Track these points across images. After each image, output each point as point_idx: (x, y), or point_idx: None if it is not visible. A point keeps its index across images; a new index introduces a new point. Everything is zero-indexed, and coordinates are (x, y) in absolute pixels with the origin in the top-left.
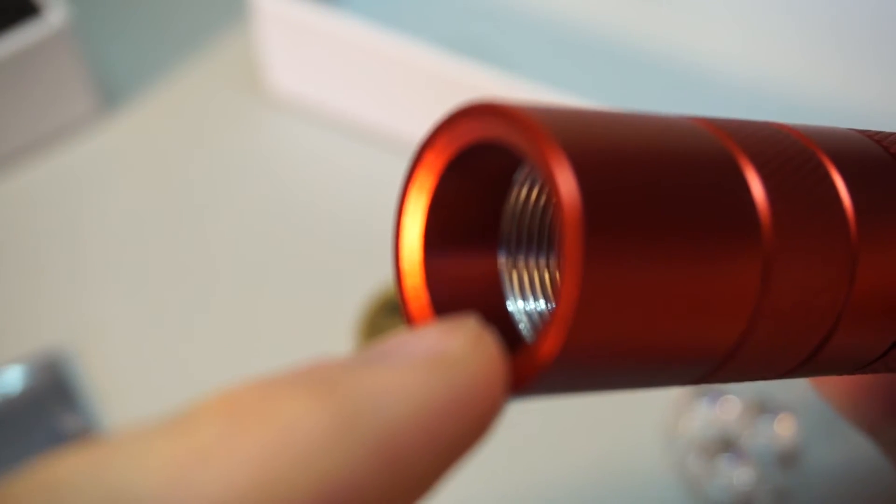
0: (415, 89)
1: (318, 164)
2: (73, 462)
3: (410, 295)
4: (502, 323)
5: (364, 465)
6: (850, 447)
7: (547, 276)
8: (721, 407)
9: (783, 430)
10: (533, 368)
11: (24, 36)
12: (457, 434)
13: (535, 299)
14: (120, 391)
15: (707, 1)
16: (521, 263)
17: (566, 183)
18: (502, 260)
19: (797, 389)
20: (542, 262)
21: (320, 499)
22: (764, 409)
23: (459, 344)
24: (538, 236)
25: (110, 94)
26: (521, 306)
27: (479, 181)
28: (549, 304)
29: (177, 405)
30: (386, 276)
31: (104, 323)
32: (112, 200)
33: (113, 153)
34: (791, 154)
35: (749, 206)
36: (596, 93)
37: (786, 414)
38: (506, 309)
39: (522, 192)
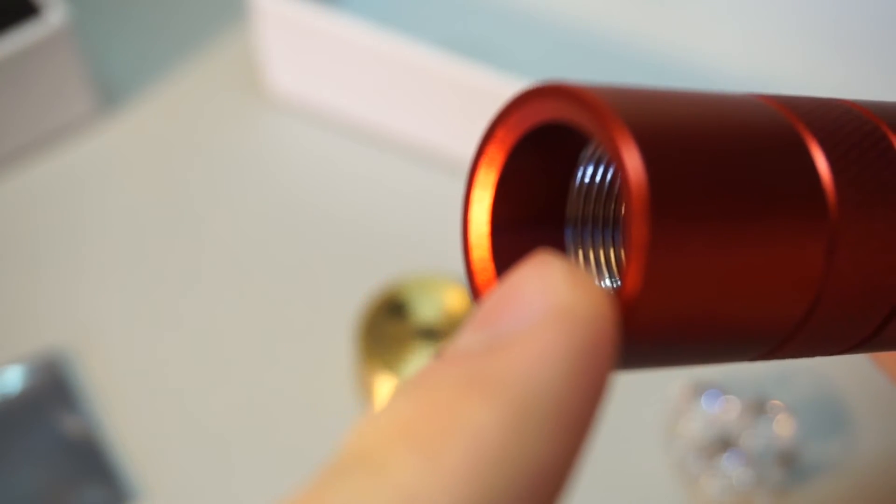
0: (415, 89)
1: (317, 164)
2: None
3: (477, 267)
4: None
5: (551, 440)
6: (850, 447)
7: (612, 254)
8: (721, 407)
9: (783, 430)
10: None
11: (24, 36)
12: (600, 379)
13: (602, 277)
14: (120, 391)
15: (707, 1)
16: (588, 241)
17: (633, 163)
18: (568, 238)
19: (797, 389)
20: (609, 240)
21: (530, 488)
22: (763, 409)
23: (566, 292)
24: (604, 215)
25: (110, 94)
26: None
27: (548, 160)
28: (614, 283)
29: (170, 403)
30: (386, 275)
31: (104, 323)
32: (112, 200)
33: (113, 153)
34: (859, 132)
35: (815, 186)
36: None
37: (785, 414)
38: None
39: (589, 172)
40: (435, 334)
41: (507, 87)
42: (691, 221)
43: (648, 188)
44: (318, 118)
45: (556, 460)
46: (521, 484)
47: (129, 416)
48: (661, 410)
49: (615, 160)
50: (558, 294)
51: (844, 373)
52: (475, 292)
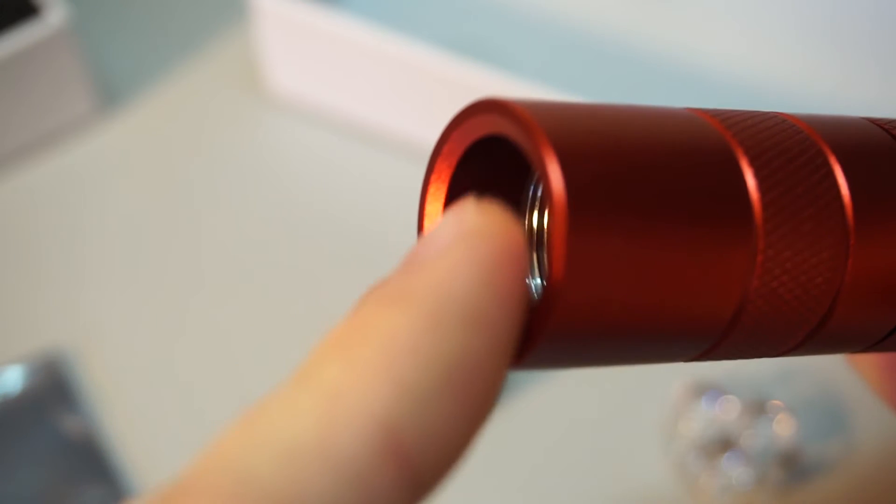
0: (414, 89)
1: (317, 164)
2: (230, 437)
3: None
4: None
5: (461, 337)
6: (850, 447)
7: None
8: (721, 407)
9: (783, 430)
10: (533, 337)
11: (24, 36)
12: (509, 284)
13: (541, 277)
14: (120, 391)
15: (707, 1)
16: (533, 248)
17: (553, 170)
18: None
19: (797, 389)
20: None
21: (447, 383)
22: (763, 409)
23: (472, 218)
24: (540, 224)
25: (110, 94)
26: (532, 285)
27: (501, 173)
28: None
29: (170, 403)
30: (385, 275)
31: (104, 323)
32: (112, 200)
33: (113, 153)
34: (789, 143)
35: (740, 192)
36: (596, 93)
37: (785, 414)
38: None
39: (533, 184)
40: None
41: (507, 88)
42: (610, 225)
43: (566, 193)
44: (318, 118)
45: (468, 355)
46: (435, 376)
47: (129, 416)
48: (661, 410)
49: (538, 169)
50: (467, 220)
51: (844, 373)
52: None
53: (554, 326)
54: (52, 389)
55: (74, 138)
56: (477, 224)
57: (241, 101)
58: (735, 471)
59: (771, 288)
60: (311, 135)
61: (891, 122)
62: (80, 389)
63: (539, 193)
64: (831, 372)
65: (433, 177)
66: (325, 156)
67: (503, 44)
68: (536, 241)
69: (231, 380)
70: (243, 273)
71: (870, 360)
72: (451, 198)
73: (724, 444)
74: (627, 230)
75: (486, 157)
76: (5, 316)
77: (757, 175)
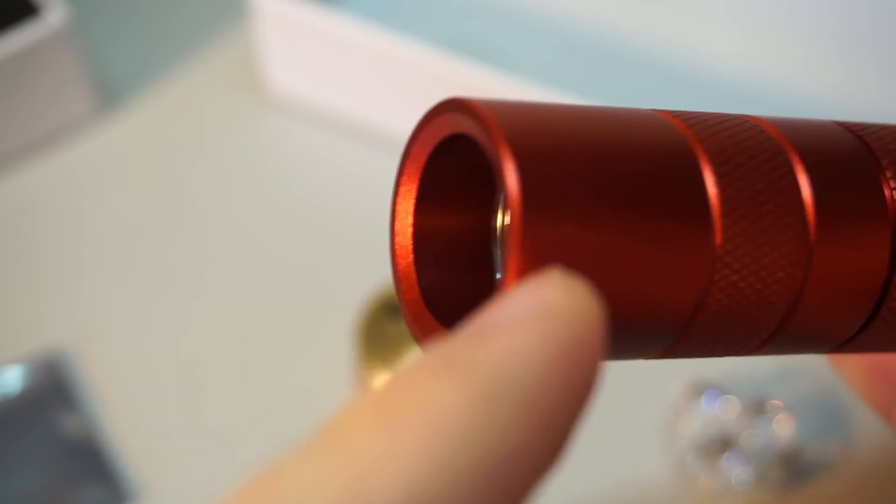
0: (414, 89)
1: (317, 164)
2: (250, 492)
3: (402, 275)
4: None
5: (516, 429)
6: (850, 447)
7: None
8: (720, 407)
9: (782, 430)
10: None
11: (24, 36)
12: (582, 379)
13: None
14: (120, 391)
15: (707, 1)
16: (499, 243)
17: (508, 171)
18: (493, 247)
19: (797, 389)
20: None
21: (488, 474)
22: (763, 409)
23: (556, 294)
24: (503, 223)
25: (110, 94)
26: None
27: (474, 171)
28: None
29: (170, 403)
30: (386, 275)
31: (104, 323)
32: (112, 200)
33: (113, 153)
34: (751, 142)
35: (698, 187)
36: (596, 93)
37: (785, 414)
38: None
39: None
40: None
41: (507, 88)
42: (565, 221)
43: (520, 190)
44: (318, 118)
45: (521, 450)
46: (479, 468)
47: (129, 416)
48: (661, 410)
49: (495, 167)
50: (548, 294)
51: None
52: (403, 301)
53: None
54: (52, 389)
55: (74, 138)
56: (558, 301)
57: (241, 101)
58: (735, 471)
59: (731, 281)
60: (311, 135)
61: (863, 126)
62: (80, 389)
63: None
64: (831, 372)
65: (403, 178)
66: (325, 156)
67: (503, 44)
68: (500, 239)
69: (231, 379)
70: (243, 273)
71: (856, 368)
72: (424, 198)
73: (723, 444)
74: (583, 226)
75: (463, 156)
76: (5, 316)
77: (716, 171)
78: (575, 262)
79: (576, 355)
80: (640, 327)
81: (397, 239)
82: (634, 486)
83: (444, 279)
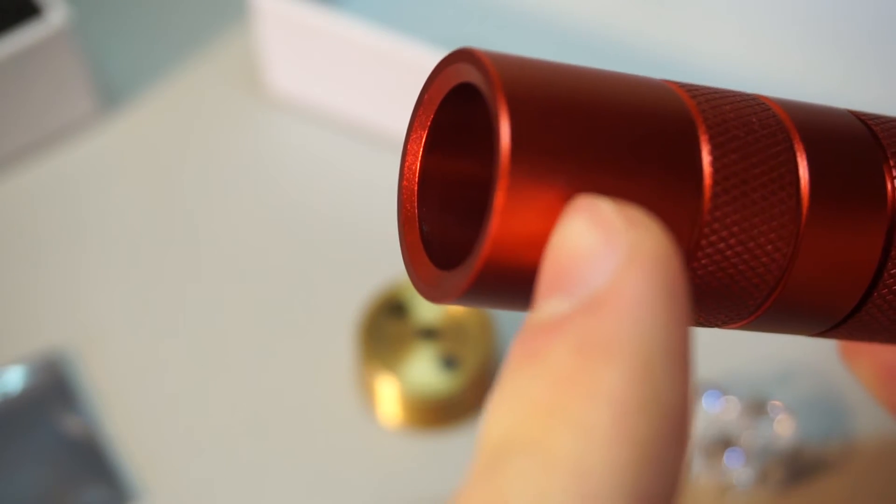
0: (414, 89)
1: (317, 164)
2: (474, 495)
3: (406, 217)
4: None
5: (673, 380)
6: (850, 447)
7: None
8: (721, 407)
9: (783, 430)
10: (469, 270)
11: (24, 36)
12: (686, 311)
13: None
14: (120, 391)
15: (707, 1)
16: None
17: (502, 118)
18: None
19: (797, 389)
20: None
21: (673, 431)
22: (763, 409)
23: (634, 232)
24: None
25: (110, 94)
26: None
27: (478, 119)
28: None
29: (171, 403)
30: (386, 275)
31: (104, 323)
32: (112, 200)
33: (113, 153)
34: (753, 118)
35: (693, 153)
36: None
37: (785, 414)
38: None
39: None
40: (435, 334)
41: None
42: (552, 171)
43: (511, 137)
44: (318, 118)
45: (681, 397)
46: (664, 428)
47: (129, 416)
48: None
49: (492, 115)
50: (621, 238)
51: (844, 373)
52: (403, 244)
53: (488, 261)
54: (53, 389)
55: (74, 138)
56: (635, 242)
57: (241, 101)
58: (735, 471)
59: (717, 248)
60: (311, 135)
61: (875, 116)
62: (80, 389)
63: None
64: (831, 372)
65: (415, 124)
66: (325, 156)
67: (503, 44)
68: None
69: (231, 379)
70: (243, 273)
71: (869, 366)
72: (432, 144)
73: (724, 444)
74: (571, 178)
75: (475, 105)
76: (5, 316)
77: (711, 141)
78: (558, 212)
79: (675, 289)
80: None
81: (405, 182)
82: None
83: (445, 225)
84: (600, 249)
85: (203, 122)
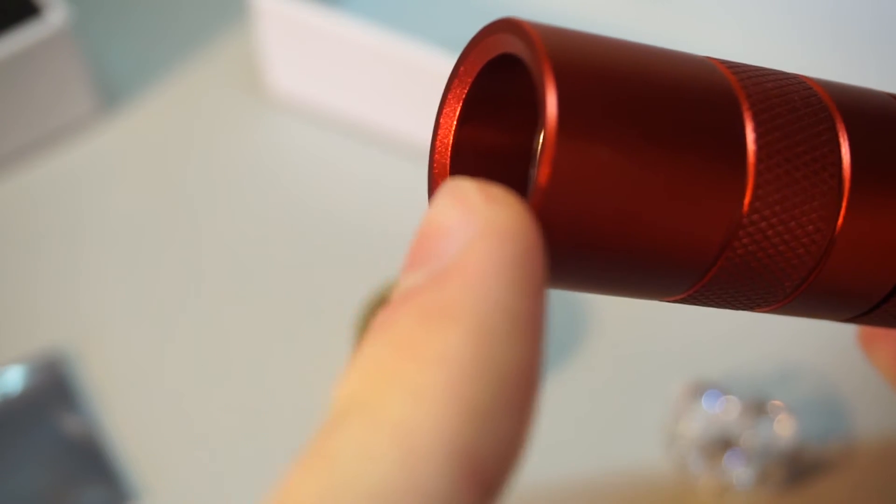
0: (415, 89)
1: (317, 164)
2: (301, 485)
3: (439, 180)
4: None
5: (513, 345)
6: (850, 447)
7: None
8: (721, 407)
9: (783, 430)
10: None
11: (25, 36)
12: (538, 282)
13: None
14: (120, 391)
15: (707, 1)
16: (535, 163)
17: (549, 89)
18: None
19: (797, 389)
20: None
21: (511, 395)
22: (764, 409)
23: (490, 208)
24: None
25: (110, 94)
26: None
27: (514, 91)
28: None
29: (171, 403)
30: (386, 275)
31: (104, 323)
32: (112, 200)
33: (113, 153)
34: (796, 97)
35: (737, 131)
36: None
37: (785, 414)
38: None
39: None
40: None
41: None
42: (598, 142)
43: (557, 105)
44: (318, 118)
45: (522, 362)
46: (500, 391)
47: (129, 416)
48: (661, 410)
49: (537, 85)
50: (477, 213)
51: (844, 373)
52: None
53: (542, 234)
54: (53, 389)
55: (74, 138)
56: (489, 217)
57: (242, 101)
58: (736, 471)
59: (759, 227)
60: (311, 135)
61: None
62: (80, 389)
63: None
64: (831, 372)
65: (449, 96)
66: (325, 156)
67: None
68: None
69: (231, 380)
70: (243, 272)
71: (888, 355)
72: (467, 116)
73: (724, 444)
74: (615, 149)
75: (512, 77)
76: (5, 316)
77: (755, 118)
78: (603, 186)
79: (526, 261)
80: (663, 262)
81: (436, 156)
82: (635, 486)
83: (478, 163)
84: (457, 224)
85: (203, 123)
